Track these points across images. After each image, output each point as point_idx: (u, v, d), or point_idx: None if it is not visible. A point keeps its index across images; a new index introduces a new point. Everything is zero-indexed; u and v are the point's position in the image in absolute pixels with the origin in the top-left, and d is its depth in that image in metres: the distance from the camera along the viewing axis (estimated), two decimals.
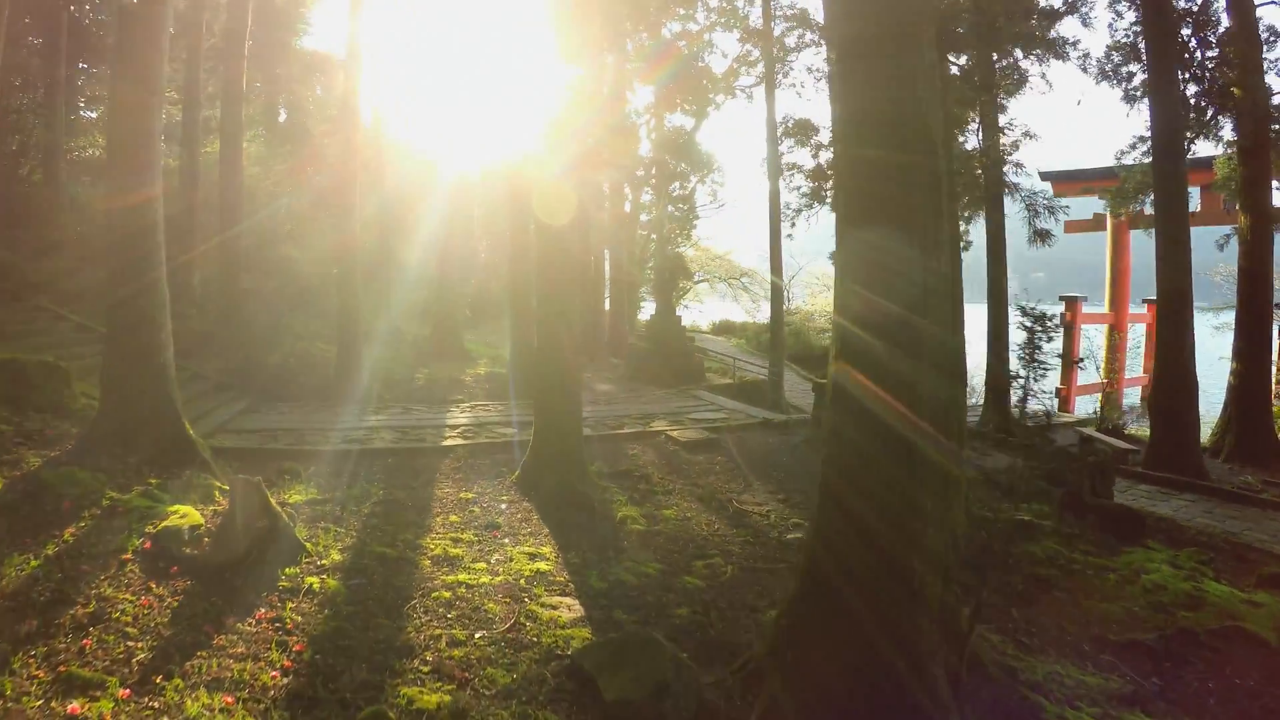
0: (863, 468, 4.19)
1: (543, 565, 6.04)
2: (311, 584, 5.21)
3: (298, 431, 10.78)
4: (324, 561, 5.69)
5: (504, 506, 7.80)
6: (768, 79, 19.98)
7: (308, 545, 5.86)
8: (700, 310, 46.19)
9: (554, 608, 5.26)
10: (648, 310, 37.59)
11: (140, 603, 4.72)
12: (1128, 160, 19.84)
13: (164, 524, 5.56)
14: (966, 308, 13.87)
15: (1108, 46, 18.03)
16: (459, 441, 10.62)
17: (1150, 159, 19.80)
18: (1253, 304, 15.77)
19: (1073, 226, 33.41)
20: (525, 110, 18.25)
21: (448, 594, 5.33)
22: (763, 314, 41.56)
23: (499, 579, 5.70)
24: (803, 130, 23.28)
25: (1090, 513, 9.63)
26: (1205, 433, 14.90)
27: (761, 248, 42.79)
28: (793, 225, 28.26)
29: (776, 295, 20.46)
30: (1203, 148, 19.55)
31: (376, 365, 16.97)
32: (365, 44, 18.08)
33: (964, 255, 27.73)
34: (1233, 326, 16.22)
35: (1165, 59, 14.04)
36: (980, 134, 17.18)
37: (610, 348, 23.45)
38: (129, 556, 5.26)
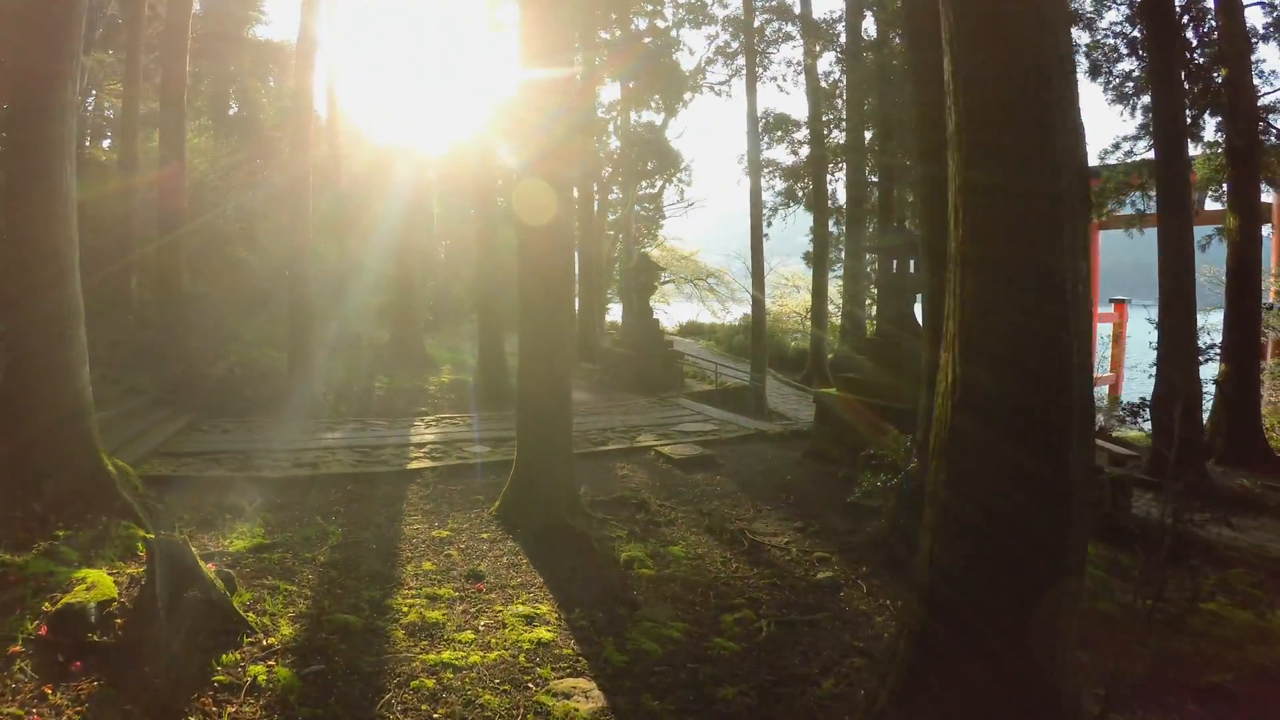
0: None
1: (544, 632, 4.94)
2: (256, 676, 4.04)
3: (243, 454, 9.50)
4: (271, 640, 4.51)
5: (486, 548, 6.66)
6: (748, 71, 19.11)
7: (250, 617, 4.67)
8: (666, 311, 45.33)
9: (567, 695, 4.17)
10: (615, 312, 36.65)
11: None
12: (1111, 160, 19.48)
13: (66, 599, 4.33)
14: None
15: (1094, 41, 17.55)
16: (426, 463, 9.44)
17: (1130, 160, 19.70)
18: (1242, 305, 15.40)
19: None
20: (492, 102, 17.18)
21: (430, 681, 4.20)
22: (732, 315, 40.85)
23: (492, 655, 4.58)
24: (783, 125, 22.54)
25: (1115, 533, 8.93)
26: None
27: (728, 247, 42.15)
28: (768, 224, 27.62)
29: (758, 300, 19.63)
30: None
31: (332, 374, 15.66)
32: (320, 33, 16.79)
33: None
34: (1218, 328, 15.92)
35: (1168, 55, 13.53)
36: None
37: (581, 352, 22.33)
38: (18, 649, 4.03)
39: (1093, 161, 21.65)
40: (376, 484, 8.54)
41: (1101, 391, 32.89)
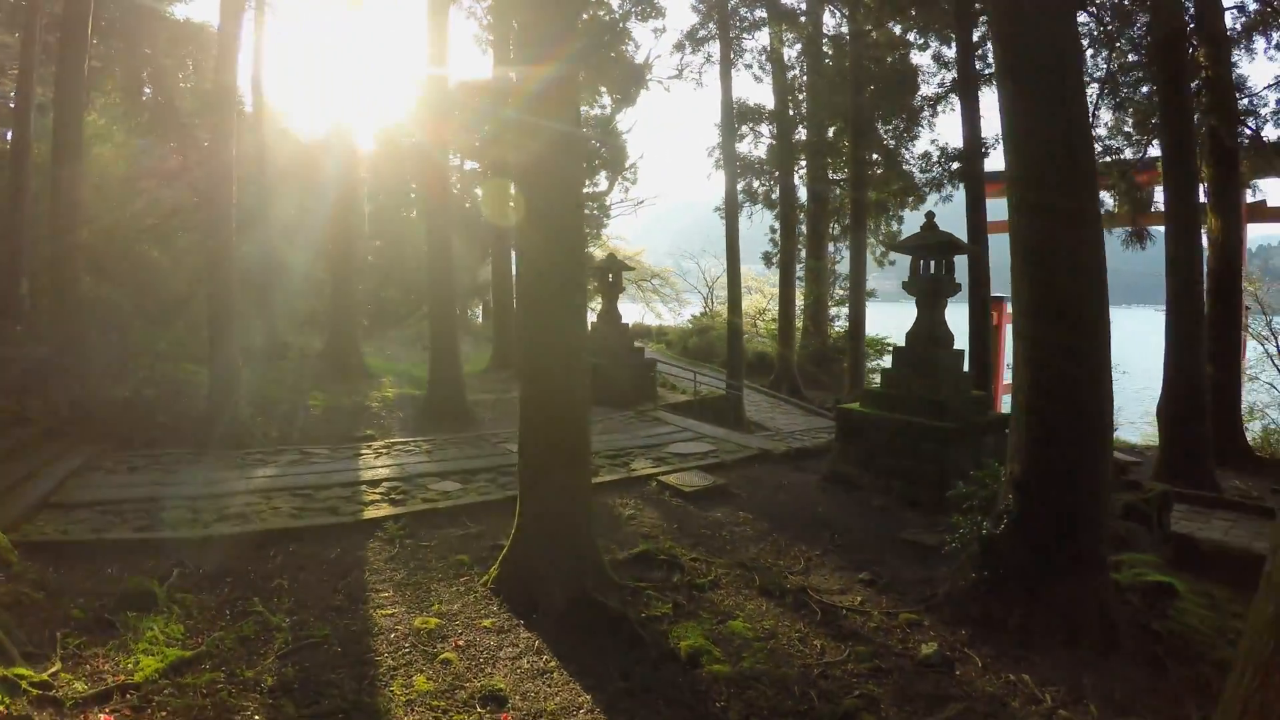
0: None
1: None
2: None
3: (155, 503, 7.38)
4: None
5: (494, 643, 4.88)
6: (723, 57, 17.60)
7: None
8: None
9: None
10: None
11: None
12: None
13: None
14: None
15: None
16: (386, 509, 7.51)
17: (1107, 159, 19.17)
18: (1224, 305, 14.89)
19: (995, 228, 32.94)
20: (440, 88, 15.21)
21: None
22: (682, 317, 39.31)
23: None
24: (749, 117, 21.14)
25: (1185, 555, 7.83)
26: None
27: (674, 247, 40.67)
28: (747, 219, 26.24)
29: (734, 305, 18.17)
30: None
31: (260, 390, 13.41)
32: (246, 16, 14.53)
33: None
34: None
35: (1179, 55, 12.87)
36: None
37: None
38: None
39: None
40: (327, 542, 6.61)
41: None
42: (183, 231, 17.81)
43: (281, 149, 29.32)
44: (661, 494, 8.67)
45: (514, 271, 21.33)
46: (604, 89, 22.73)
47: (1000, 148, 16.81)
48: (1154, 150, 17.87)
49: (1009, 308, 33.05)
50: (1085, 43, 16.43)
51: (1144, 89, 15.74)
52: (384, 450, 10.34)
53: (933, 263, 9.69)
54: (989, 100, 15.38)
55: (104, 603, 5.13)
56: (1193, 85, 15.38)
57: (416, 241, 33.02)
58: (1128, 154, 18.14)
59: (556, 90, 5.35)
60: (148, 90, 23.42)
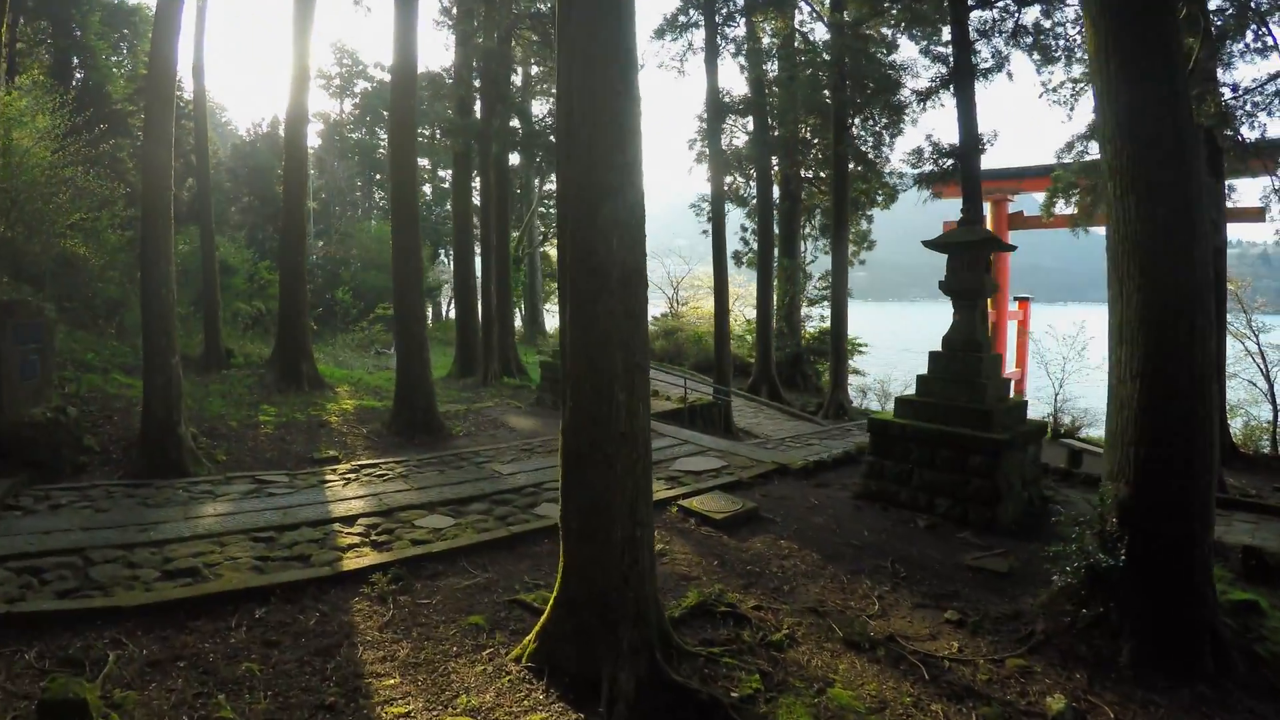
0: None
1: None
2: None
3: (81, 555, 5.87)
4: None
5: None
6: (708, 43, 16.46)
7: None
8: (553, 314, 42.35)
9: None
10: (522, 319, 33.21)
11: None
12: (1067, 159, 18.53)
13: None
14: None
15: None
16: (370, 557, 6.13)
17: (1084, 160, 18.86)
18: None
19: (951, 227, 32.77)
20: (408, 69, 13.63)
21: None
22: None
23: None
24: (723, 112, 20.01)
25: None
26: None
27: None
28: (709, 219, 25.16)
29: (721, 308, 17.07)
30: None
31: (204, 405, 11.84)
32: None
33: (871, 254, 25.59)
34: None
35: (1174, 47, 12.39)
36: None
37: (501, 363, 19.06)
38: None
39: (1048, 160, 20.72)
40: (303, 604, 5.24)
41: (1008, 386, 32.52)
42: (114, 228, 15.89)
43: (223, 141, 27.27)
44: (687, 522, 7.49)
45: (481, 271, 19.87)
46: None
47: (993, 145, 16.25)
48: None
49: (1024, 306, 32.22)
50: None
51: None
52: (352, 475, 8.91)
53: (971, 260, 8.76)
54: (986, 94, 14.65)
55: (22, 694, 3.73)
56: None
57: (365, 240, 31.28)
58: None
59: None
60: (79, 75, 21.26)
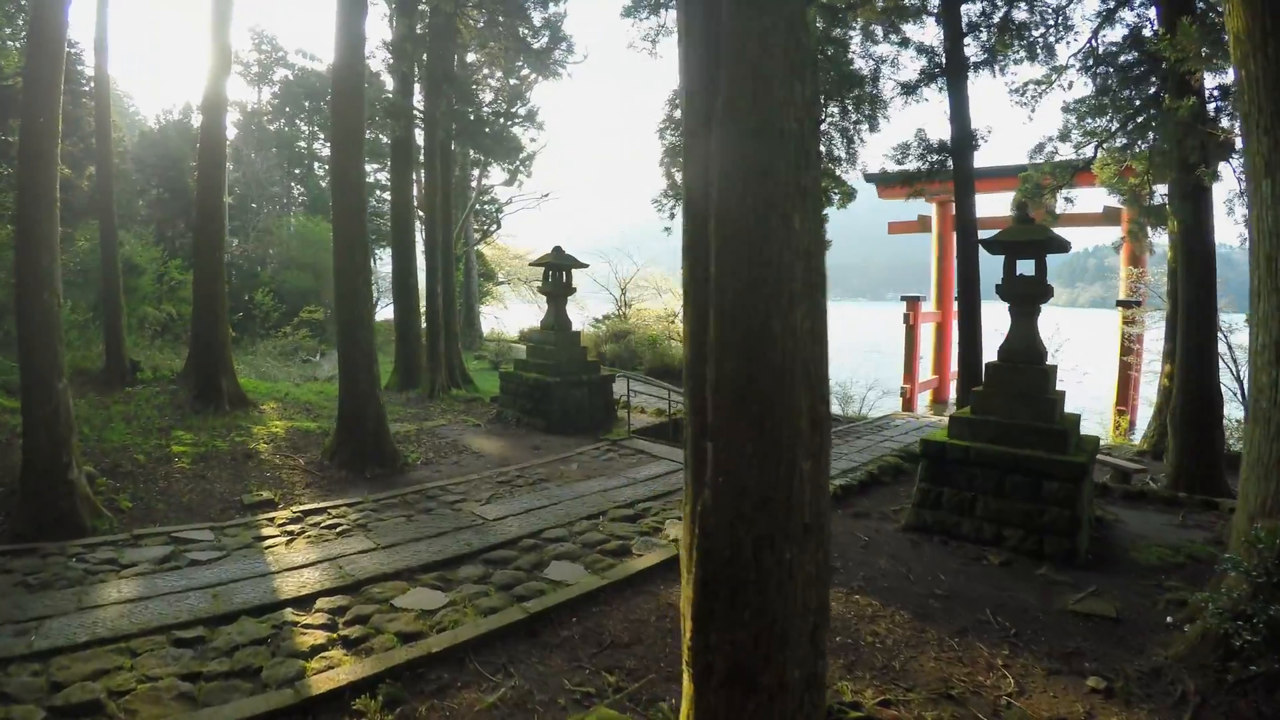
0: None
1: None
2: None
3: None
4: None
5: None
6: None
7: None
8: (497, 317, 40.26)
9: None
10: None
11: None
12: (1038, 159, 17.86)
13: None
14: None
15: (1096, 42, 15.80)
16: (349, 669, 4.34)
17: (1056, 160, 18.28)
18: (1199, 305, 14.00)
19: (896, 228, 32.20)
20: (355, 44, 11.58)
21: None
22: (584, 316, 36.52)
23: None
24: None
25: None
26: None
27: (578, 246, 37.81)
28: (672, 216, 23.58)
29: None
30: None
31: (103, 434, 9.67)
32: None
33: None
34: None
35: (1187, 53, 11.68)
36: None
37: (447, 373, 17.10)
38: None
39: (1020, 160, 20.06)
40: None
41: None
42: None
43: (131, 131, 24.43)
44: None
45: (426, 271, 17.84)
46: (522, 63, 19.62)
47: (985, 142, 15.30)
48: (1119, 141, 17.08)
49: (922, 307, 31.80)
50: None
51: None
52: (295, 526, 7.02)
53: (1028, 263, 7.57)
54: (979, 88, 13.64)
55: None
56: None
57: (286, 237, 28.56)
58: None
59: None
60: None
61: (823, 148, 18.81)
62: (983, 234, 25.28)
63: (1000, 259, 7.75)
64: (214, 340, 12.94)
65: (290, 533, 6.82)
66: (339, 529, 6.93)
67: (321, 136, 35.42)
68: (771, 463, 2.66)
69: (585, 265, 13.46)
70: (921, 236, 31.06)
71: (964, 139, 12.93)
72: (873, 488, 8.93)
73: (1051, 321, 21.39)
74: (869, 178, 24.42)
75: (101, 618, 4.85)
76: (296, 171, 34.47)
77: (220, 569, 5.80)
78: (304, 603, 5.21)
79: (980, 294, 13.45)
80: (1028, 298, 7.53)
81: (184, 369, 13.52)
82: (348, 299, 10.27)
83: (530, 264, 14.24)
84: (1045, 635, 5.20)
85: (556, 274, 12.70)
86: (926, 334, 29.05)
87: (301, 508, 7.67)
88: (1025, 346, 7.47)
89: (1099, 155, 17.47)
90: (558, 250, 12.78)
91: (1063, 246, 7.62)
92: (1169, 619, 5.52)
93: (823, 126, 17.78)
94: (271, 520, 7.20)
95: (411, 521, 7.14)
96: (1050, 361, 7.73)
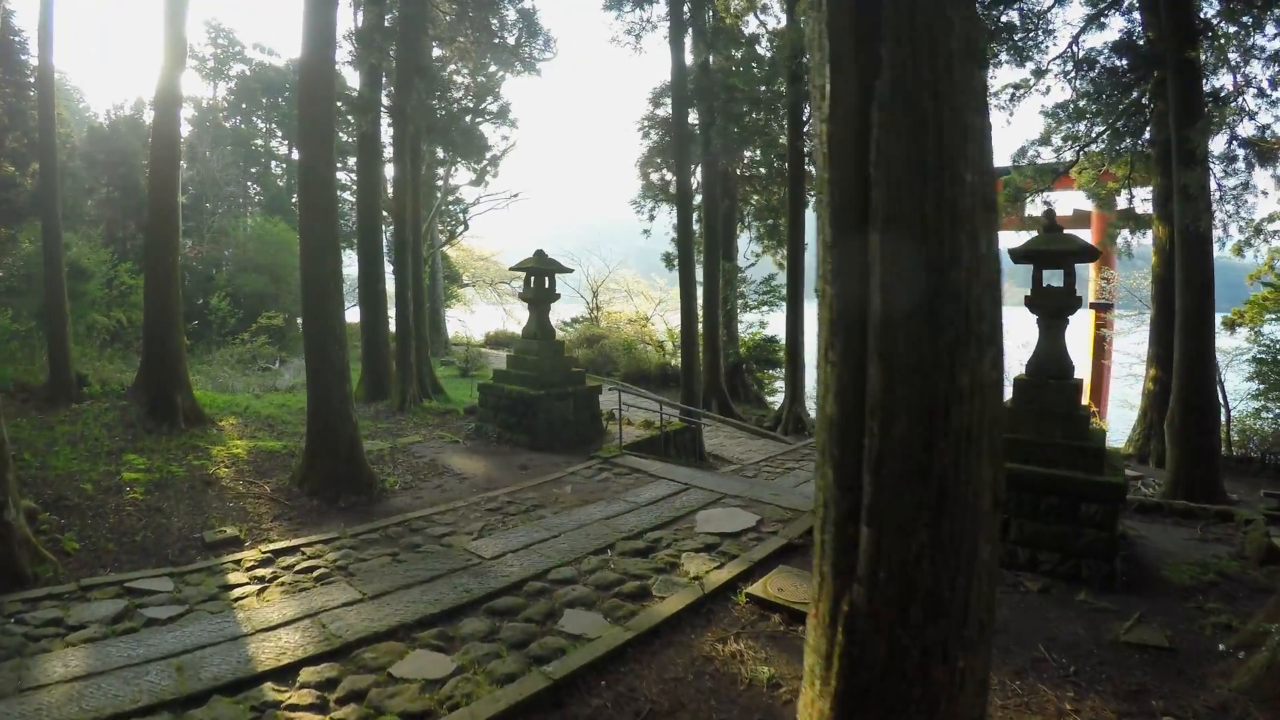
0: None
1: None
2: None
3: None
4: None
5: None
6: (673, 17, 14.19)
7: None
8: (463, 321, 39.23)
9: None
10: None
11: None
12: (1021, 164, 17.71)
13: None
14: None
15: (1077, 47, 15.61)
16: None
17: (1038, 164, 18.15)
18: (1198, 312, 13.75)
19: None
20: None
21: None
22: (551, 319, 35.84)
23: None
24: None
25: None
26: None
27: (551, 247, 37.14)
28: (651, 218, 22.99)
29: (689, 317, 14.92)
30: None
31: (45, 461, 8.72)
32: None
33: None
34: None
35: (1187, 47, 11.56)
36: None
37: (418, 383, 16.22)
38: None
39: (1002, 163, 19.93)
40: None
41: None
42: None
43: (80, 124, 23.07)
44: (768, 619, 5.36)
45: (395, 274, 16.90)
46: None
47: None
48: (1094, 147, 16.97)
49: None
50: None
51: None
52: (266, 571, 6.22)
53: (1055, 273, 7.13)
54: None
55: None
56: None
57: (243, 238, 27.21)
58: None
59: None
60: None
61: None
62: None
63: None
64: (168, 351, 11.94)
65: (260, 579, 6.02)
66: (316, 573, 6.14)
67: (280, 134, 34.04)
68: (950, 554, 2.04)
69: (570, 270, 12.74)
70: None
71: None
72: None
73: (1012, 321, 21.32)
74: None
75: (46, 703, 4.04)
76: (253, 170, 33.04)
77: (183, 631, 4.99)
78: (286, 674, 4.44)
79: None
80: (1057, 310, 7.07)
81: (135, 382, 12.46)
82: (318, 310, 9.39)
83: (510, 269, 13.48)
84: (1105, 672, 4.80)
85: (539, 279, 11.95)
86: None
87: (271, 546, 6.85)
88: (1055, 361, 7.02)
89: (1080, 159, 17.39)
90: (540, 254, 12.04)
91: (1093, 255, 7.19)
92: (1221, 646, 5.21)
93: (804, 130, 17.37)
94: (238, 563, 6.38)
95: (398, 562, 6.38)
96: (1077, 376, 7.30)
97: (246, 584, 5.90)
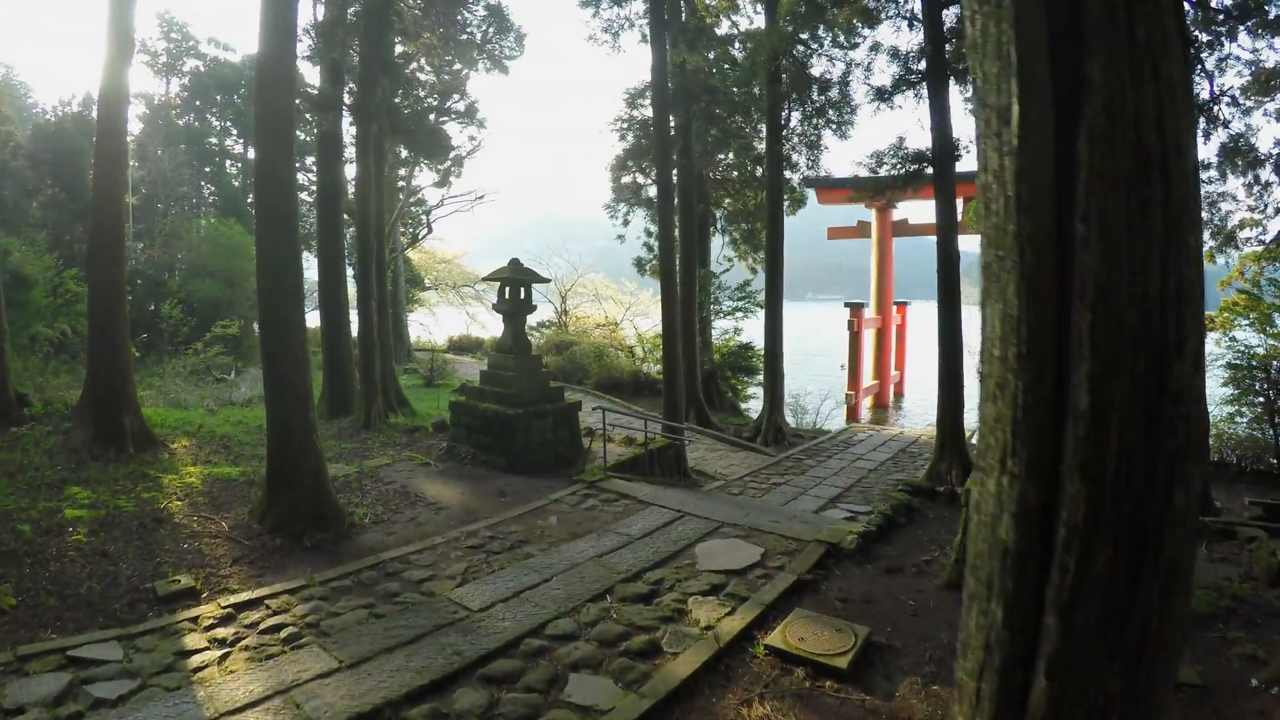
0: None
1: None
2: None
3: None
4: None
5: None
6: (654, 14, 13.64)
7: None
8: (423, 324, 38.26)
9: None
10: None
11: None
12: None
13: None
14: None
15: None
16: None
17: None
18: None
19: (836, 233, 31.88)
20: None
21: None
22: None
23: None
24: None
25: None
26: None
27: (511, 250, 36.33)
28: (625, 223, 22.39)
29: (671, 332, 14.38)
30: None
31: None
32: None
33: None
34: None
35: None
36: None
37: (384, 398, 15.46)
38: None
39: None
40: None
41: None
42: None
43: (25, 121, 21.84)
44: (791, 674, 4.87)
45: (358, 282, 16.10)
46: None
47: (969, 152, 14.70)
48: None
49: (902, 310, 31.84)
50: None
51: None
52: (226, 631, 5.54)
53: None
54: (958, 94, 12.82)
55: None
56: None
57: (196, 241, 25.95)
58: None
59: None
60: None
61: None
62: (925, 240, 24.56)
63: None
64: (114, 369, 11.09)
65: (221, 641, 5.35)
66: (285, 632, 5.48)
67: (235, 132, 32.72)
68: (1142, 708, 1.57)
69: (547, 280, 12.15)
70: (857, 242, 30.82)
71: (947, 147, 12.19)
72: (892, 532, 8.00)
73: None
74: (809, 182, 23.83)
75: None
76: (207, 170, 31.68)
77: (135, 716, 4.32)
78: None
79: (960, 300, 12.74)
80: None
81: (80, 402, 11.55)
82: (277, 328, 8.60)
83: (483, 279, 12.80)
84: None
85: (514, 290, 11.33)
86: (868, 340, 28.79)
87: (231, 599, 6.16)
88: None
89: None
90: (515, 263, 11.42)
91: None
92: (1253, 681, 4.98)
93: (793, 127, 17.02)
94: (195, 621, 5.69)
95: (376, 617, 5.75)
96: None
97: (206, 648, 5.23)
